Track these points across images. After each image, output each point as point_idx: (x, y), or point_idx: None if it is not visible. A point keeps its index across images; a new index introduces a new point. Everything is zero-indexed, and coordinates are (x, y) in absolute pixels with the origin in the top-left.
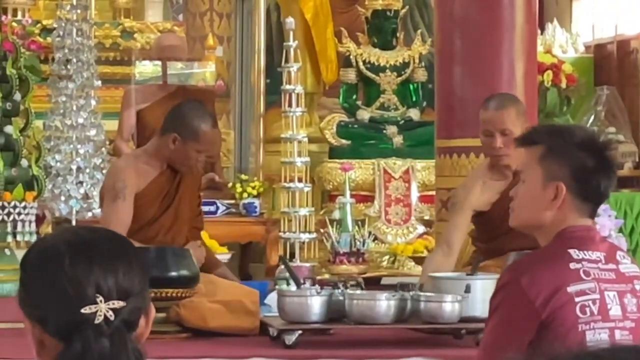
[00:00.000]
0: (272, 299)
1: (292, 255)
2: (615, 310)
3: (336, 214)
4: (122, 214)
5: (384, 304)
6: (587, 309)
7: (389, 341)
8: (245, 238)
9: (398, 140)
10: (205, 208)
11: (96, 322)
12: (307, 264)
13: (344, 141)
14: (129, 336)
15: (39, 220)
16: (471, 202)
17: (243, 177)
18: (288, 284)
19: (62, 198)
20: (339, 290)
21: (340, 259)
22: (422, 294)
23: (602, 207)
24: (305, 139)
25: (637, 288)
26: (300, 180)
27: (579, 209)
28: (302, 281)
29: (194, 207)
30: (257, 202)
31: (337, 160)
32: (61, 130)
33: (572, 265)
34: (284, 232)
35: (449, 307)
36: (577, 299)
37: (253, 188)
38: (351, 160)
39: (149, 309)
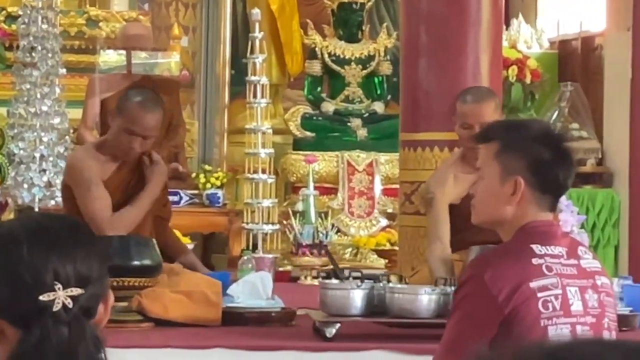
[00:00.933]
0: (234, 289)
1: (255, 247)
2: (576, 306)
3: (299, 206)
4: (102, 198)
5: (425, 298)
6: (550, 304)
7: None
8: (208, 228)
9: (362, 133)
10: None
11: (54, 309)
12: (270, 255)
13: (308, 133)
14: (87, 323)
15: (2, 207)
16: (447, 195)
17: (207, 167)
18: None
19: (25, 186)
20: (381, 284)
21: (302, 250)
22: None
23: (565, 202)
24: (270, 130)
25: (598, 283)
26: (264, 171)
27: (539, 202)
28: (346, 274)
29: (159, 197)
30: (220, 192)
31: (301, 152)
32: (25, 117)
33: (535, 261)
34: (247, 223)
35: None
36: (539, 295)
37: (216, 179)
38: (315, 152)
39: (108, 295)
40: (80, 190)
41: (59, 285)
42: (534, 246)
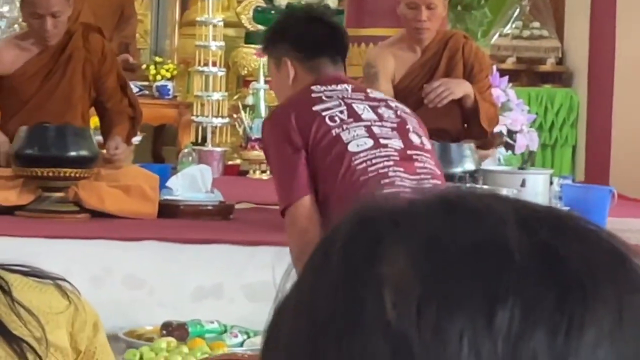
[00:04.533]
0: (173, 182)
1: (204, 140)
2: (367, 115)
3: (249, 100)
4: None
5: None
6: (336, 117)
7: None
8: (157, 120)
9: None
10: None
11: None
12: (219, 149)
13: (260, 26)
14: None
15: None
16: (389, 69)
17: (157, 59)
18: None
19: None
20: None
21: (252, 144)
22: (478, 186)
23: (515, 101)
24: (221, 23)
25: (391, 105)
26: (214, 64)
27: (315, 66)
28: None
29: (104, 89)
30: (170, 84)
31: (253, 46)
32: None
33: (314, 94)
34: (197, 116)
35: None
36: (324, 114)
37: (167, 71)
38: None
39: None
40: None
41: None
42: (313, 87)
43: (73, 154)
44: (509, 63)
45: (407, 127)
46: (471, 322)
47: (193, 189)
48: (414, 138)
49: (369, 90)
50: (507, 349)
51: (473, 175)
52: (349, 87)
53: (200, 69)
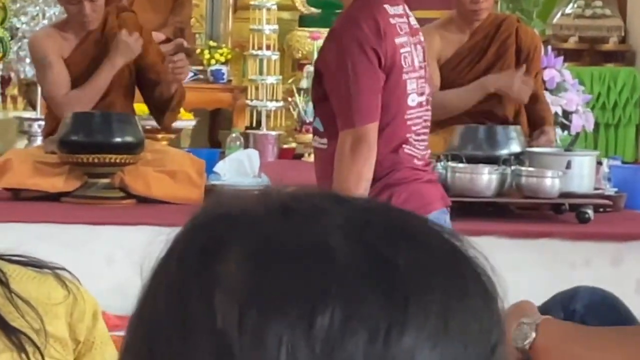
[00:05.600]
0: (220, 167)
1: (259, 124)
2: (416, 62)
3: (304, 83)
4: (56, 77)
5: (486, 177)
6: (407, 60)
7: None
8: (212, 105)
9: None
10: None
11: None
12: (274, 133)
13: (314, 9)
14: None
15: (5, 82)
16: (435, 52)
17: (211, 43)
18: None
19: (27, 60)
20: (441, 164)
21: (306, 127)
22: (523, 168)
23: (571, 81)
24: (274, 7)
25: (420, 39)
26: (268, 48)
27: None
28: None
29: (145, 63)
30: (224, 69)
31: (307, 29)
32: None
33: (392, 20)
34: (251, 100)
35: (549, 182)
36: (401, 50)
37: (221, 55)
38: (321, 29)
39: None
40: (37, 69)
41: None
42: (386, 6)
43: (118, 139)
44: (571, 42)
45: (426, 74)
46: (290, 327)
47: (240, 173)
48: (426, 88)
49: (406, 9)
50: (324, 355)
51: (519, 157)
52: (404, 9)
53: (255, 52)
